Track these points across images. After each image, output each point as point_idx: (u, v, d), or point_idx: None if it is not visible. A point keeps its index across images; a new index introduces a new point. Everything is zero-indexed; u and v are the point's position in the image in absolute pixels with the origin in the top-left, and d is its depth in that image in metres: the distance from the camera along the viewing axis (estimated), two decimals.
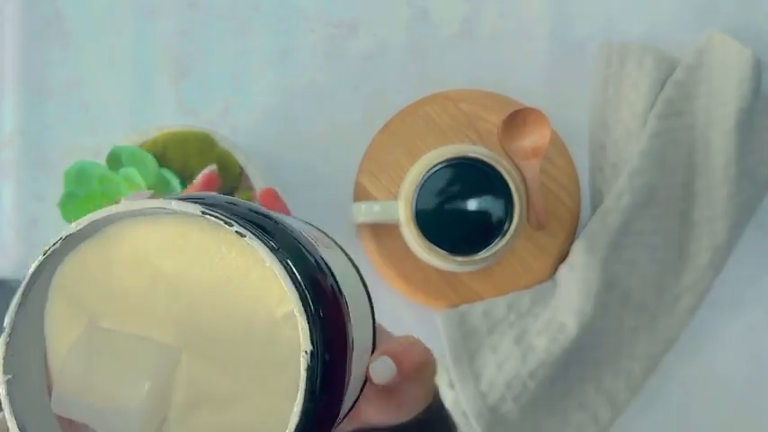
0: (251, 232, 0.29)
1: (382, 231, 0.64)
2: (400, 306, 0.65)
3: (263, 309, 0.30)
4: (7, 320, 0.30)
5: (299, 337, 0.28)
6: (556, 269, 0.64)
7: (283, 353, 0.29)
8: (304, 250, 0.31)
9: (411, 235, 0.59)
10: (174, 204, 0.29)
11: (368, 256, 0.65)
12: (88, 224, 0.30)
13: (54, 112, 0.67)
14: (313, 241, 0.32)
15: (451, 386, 0.63)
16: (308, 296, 0.29)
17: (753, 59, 0.62)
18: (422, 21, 0.67)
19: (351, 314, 0.31)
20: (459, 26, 0.67)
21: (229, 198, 0.32)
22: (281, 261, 0.28)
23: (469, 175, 0.59)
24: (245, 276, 0.30)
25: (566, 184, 0.64)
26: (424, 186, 0.59)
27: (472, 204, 0.60)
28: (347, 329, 0.31)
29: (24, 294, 0.30)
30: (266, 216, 0.32)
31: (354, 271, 0.36)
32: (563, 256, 0.64)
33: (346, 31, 0.67)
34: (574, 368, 0.64)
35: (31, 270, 0.30)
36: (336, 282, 0.31)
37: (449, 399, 0.63)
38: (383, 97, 0.66)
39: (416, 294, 0.64)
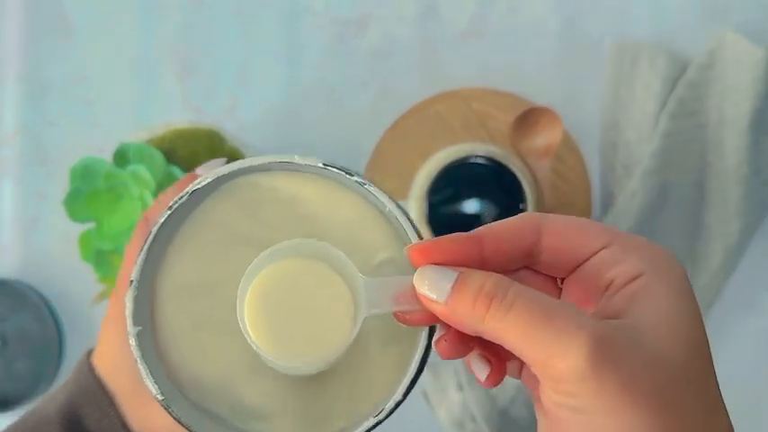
0: (369, 181, 0.32)
1: None
2: None
3: (361, 257, 0.31)
4: (134, 275, 0.31)
5: None
6: None
7: None
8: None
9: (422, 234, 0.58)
10: (298, 158, 0.32)
11: None
12: (214, 179, 0.32)
13: (57, 109, 0.66)
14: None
15: (460, 388, 0.63)
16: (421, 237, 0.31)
17: (766, 59, 0.62)
18: (431, 17, 0.66)
19: None
20: (469, 23, 0.66)
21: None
22: (398, 206, 0.31)
23: (481, 174, 0.59)
24: (356, 223, 0.32)
25: (577, 183, 0.64)
26: (435, 185, 0.58)
27: (484, 204, 0.60)
28: None
29: (149, 249, 0.31)
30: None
31: None
32: None
33: (354, 27, 0.66)
34: None
35: (158, 225, 0.31)
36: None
37: (456, 402, 0.63)
38: (392, 95, 0.66)
39: None
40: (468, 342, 0.28)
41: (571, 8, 0.66)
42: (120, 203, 0.53)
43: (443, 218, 0.59)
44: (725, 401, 0.28)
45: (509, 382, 0.62)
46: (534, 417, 0.66)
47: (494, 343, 0.27)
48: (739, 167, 0.62)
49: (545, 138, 0.62)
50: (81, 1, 0.67)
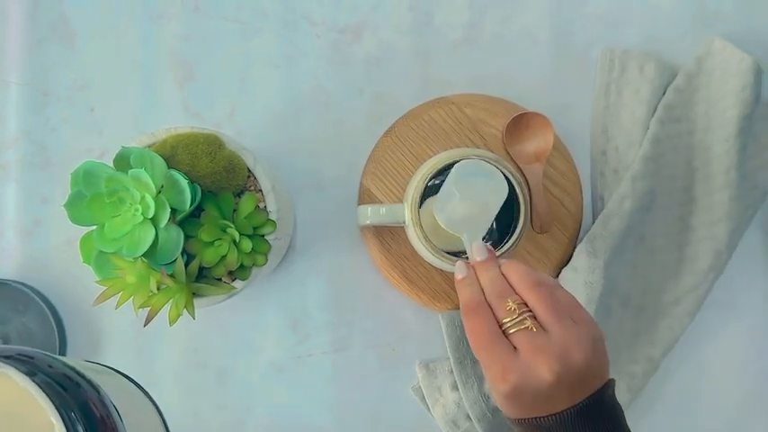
0: (10, 364, 0.32)
1: (386, 233, 0.64)
2: (404, 308, 0.66)
3: None
4: None
5: None
6: (559, 272, 0.65)
7: None
8: (74, 378, 0.34)
9: (417, 237, 0.59)
10: None
11: (372, 258, 0.65)
12: None
13: (59, 114, 0.67)
14: (81, 369, 0.35)
15: (455, 388, 0.63)
16: (72, 415, 0.32)
17: (754, 66, 0.63)
18: (426, 26, 0.67)
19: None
20: (463, 31, 0.67)
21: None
22: (38, 384, 0.31)
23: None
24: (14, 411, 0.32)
25: (568, 188, 0.65)
26: (429, 189, 0.59)
27: None
28: None
29: None
30: (28, 356, 0.34)
31: (140, 391, 0.40)
32: (566, 260, 0.65)
33: (351, 36, 0.67)
34: None
35: None
36: (103, 402, 0.35)
37: (451, 400, 0.63)
38: (388, 101, 0.67)
39: (420, 296, 0.64)
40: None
41: (562, 17, 0.67)
42: (121, 207, 0.54)
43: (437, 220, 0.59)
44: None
45: None
46: None
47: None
48: (727, 172, 0.63)
49: (537, 142, 0.64)
50: (83, 8, 0.68)
